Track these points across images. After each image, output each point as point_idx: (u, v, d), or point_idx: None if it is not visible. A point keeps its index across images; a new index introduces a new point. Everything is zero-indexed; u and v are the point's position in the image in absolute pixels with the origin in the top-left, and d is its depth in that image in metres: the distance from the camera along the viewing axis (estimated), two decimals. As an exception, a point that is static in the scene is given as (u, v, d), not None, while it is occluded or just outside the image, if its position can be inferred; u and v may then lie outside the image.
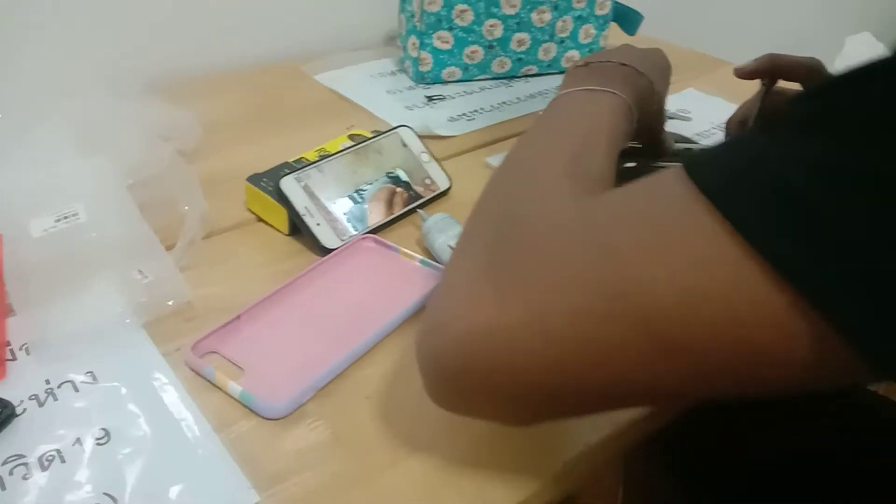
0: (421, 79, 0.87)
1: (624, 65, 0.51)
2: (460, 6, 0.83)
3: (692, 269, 0.26)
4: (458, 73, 0.87)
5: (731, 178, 0.27)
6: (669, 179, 0.29)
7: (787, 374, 0.26)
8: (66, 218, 0.52)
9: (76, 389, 0.44)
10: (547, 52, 0.89)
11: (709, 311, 0.26)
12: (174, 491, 0.38)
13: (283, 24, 0.93)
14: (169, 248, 0.53)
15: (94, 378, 0.45)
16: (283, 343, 0.47)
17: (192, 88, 0.82)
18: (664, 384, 0.28)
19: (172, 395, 0.44)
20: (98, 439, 0.41)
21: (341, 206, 0.58)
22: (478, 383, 0.32)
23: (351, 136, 0.66)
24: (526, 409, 0.33)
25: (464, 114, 0.80)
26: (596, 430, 0.43)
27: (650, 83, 0.52)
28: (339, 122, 0.76)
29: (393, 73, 0.91)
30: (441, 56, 0.86)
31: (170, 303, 0.50)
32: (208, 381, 0.45)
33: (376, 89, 0.86)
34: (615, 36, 0.90)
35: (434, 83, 0.88)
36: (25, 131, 0.59)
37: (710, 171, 0.28)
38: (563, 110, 0.47)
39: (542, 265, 0.30)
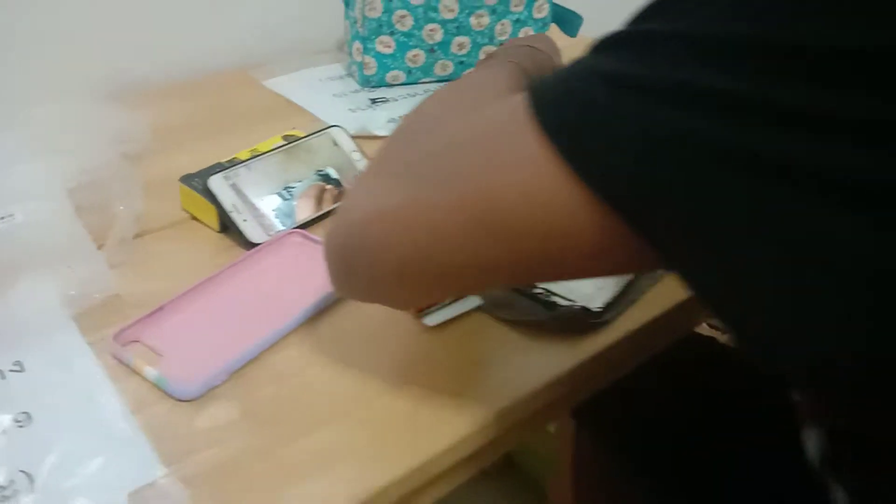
0: (366, 82, 0.90)
1: (522, 46, 0.57)
2: (400, 11, 0.86)
3: (518, 172, 0.31)
4: (402, 77, 0.91)
5: (553, 97, 0.31)
6: (517, 100, 0.33)
7: (590, 258, 0.32)
8: (2, 219, 0.55)
9: (3, 377, 0.47)
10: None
11: (527, 207, 0.31)
12: (87, 467, 0.41)
13: (238, 34, 0.96)
14: (101, 246, 0.56)
15: (22, 367, 0.48)
16: (201, 331, 0.50)
17: (148, 96, 0.85)
18: (500, 265, 0.34)
19: (93, 381, 0.47)
20: (19, 422, 0.44)
21: (269, 203, 0.61)
22: (367, 263, 0.37)
23: (284, 137, 0.69)
24: (405, 287, 0.37)
25: (404, 115, 0.83)
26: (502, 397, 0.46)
27: (548, 56, 0.60)
28: (284, 125, 0.79)
29: (341, 78, 0.94)
30: (384, 60, 0.89)
31: (97, 296, 0.53)
32: (128, 366, 0.47)
33: (323, 93, 0.89)
34: (556, 38, 0.93)
35: (379, 86, 0.91)
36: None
37: (541, 89, 0.32)
38: (462, 79, 0.51)
39: (424, 166, 0.36)
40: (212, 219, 0.61)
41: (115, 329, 0.49)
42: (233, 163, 0.63)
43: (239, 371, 0.48)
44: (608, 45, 0.31)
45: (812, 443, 0.40)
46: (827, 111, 0.24)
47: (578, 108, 0.30)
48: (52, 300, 0.52)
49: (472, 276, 0.35)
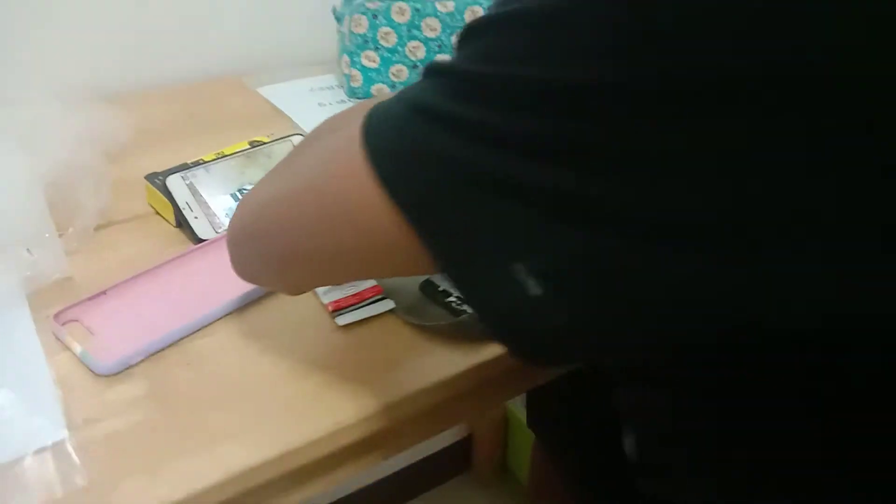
0: (353, 94, 0.95)
1: None
2: (384, 28, 0.90)
3: (345, 180, 0.36)
4: (386, 90, 0.95)
5: (377, 122, 0.35)
6: (354, 123, 0.37)
7: (397, 263, 0.37)
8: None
9: (-47, 344, 0.53)
10: (471, 71, 0.96)
11: (349, 210, 0.36)
12: (11, 404, 0.47)
13: (234, 41, 1.02)
14: (62, 234, 0.62)
15: (-27, 337, 0.54)
16: (134, 315, 0.55)
17: (139, 99, 0.91)
18: (342, 251, 0.38)
19: (29, 351, 0.52)
20: (-44, 383, 0.49)
21: (222, 203, 0.66)
22: (256, 251, 0.44)
23: (251, 142, 0.74)
24: (288, 271, 0.44)
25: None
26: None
27: None
28: (264, 130, 0.84)
29: (332, 88, 0.99)
30: (369, 74, 0.93)
31: (52, 278, 0.58)
32: (62, 342, 0.53)
33: (309, 102, 0.94)
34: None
35: (365, 98, 0.95)
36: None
37: (373, 114, 0.36)
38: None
39: (290, 169, 0.43)
40: (169, 214, 0.66)
41: (60, 308, 0.55)
42: (196, 164, 0.68)
43: (159, 353, 0.53)
44: (430, 73, 0.34)
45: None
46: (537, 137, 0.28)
47: (391, 133, 0.34)
48: (10, 280, 0.57)
49: (330, 262, 0.40)
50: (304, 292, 0.50)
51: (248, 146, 0.73)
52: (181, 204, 0.64)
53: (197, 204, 0.65)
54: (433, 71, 0.34)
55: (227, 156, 0.69)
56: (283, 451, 0.47)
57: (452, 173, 0.31)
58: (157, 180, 0.67)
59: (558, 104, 0.28)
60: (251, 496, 0.47)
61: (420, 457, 1.48)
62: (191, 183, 0.65)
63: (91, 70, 0.85)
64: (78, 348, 0.51)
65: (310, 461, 0.48)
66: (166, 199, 0.65)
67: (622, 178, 0.27)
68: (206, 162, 0.68)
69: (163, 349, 0.53)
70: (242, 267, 0.47)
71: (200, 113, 0.90)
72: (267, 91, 0.96)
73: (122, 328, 0.54)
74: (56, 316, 0.54)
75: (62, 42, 0.88)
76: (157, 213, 0.68)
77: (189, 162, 0.70)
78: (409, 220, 0.33)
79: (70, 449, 0.45)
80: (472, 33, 0.32)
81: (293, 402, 0.50)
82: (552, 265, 0.29)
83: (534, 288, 0.30)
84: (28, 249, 0.59)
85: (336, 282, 0.53)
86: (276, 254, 0.43)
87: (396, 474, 1.45)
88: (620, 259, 0.28)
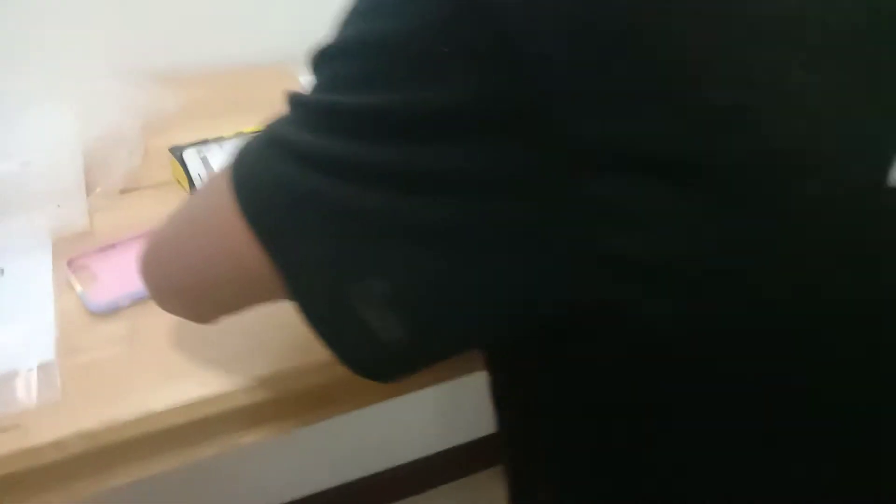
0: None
1: None
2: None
3: (215, 215, 0.39)
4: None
5: (241, 156, 0.39)
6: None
7: (265, 294, 0.40)
8: (22, 164, 0.71)
9: (-14, 279, 0.63)
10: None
11: (216, 239, 0.40)
12: (15, 328, 0.56)
13: (284, 29, 1.10)
14: (91, 193, 0.72)
15: (3, 273, 0.63)
16: (133, 266, 0.64)
17: (186, 80, 1.00)
18: (220, 283, 0.42)
19: (42, 287, 0.61)
20: (-20, 308, 0.59)
21: (230, 177, 0.74)
22: (154, 283, 0.48)
23: (269, 125, 0.82)
24: (184, 305, 0.48)
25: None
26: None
27: None
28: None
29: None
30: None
31: (75, 231, 0.68)
32: (69, 282, 0.62)
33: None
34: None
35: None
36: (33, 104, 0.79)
37: (239, 149, 0.39)
38: None
39: (187, 203, 0.46)
40: (186, 184, 0.74)
41: (75, 255, 0.64)
42: (215, 140, 0.76)
43: (146, 300, 0.60)
44: (289, 101, 0.37)
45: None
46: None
47: (251, 166, 0.37)
48: (40, 228, 0.67)
49: (219, 293, 0.43)
50: (213, 321, 0.49)
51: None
52: (194, 175, 0.72)
53: (208, 176, 0.73)
54: (290, 100, 0.37)
55: (243, 134, 0.77)
56: (232, 388, 0.53)
57: (297, 203, 0.34)
58: (178, 153, 0.75)
59: (387, 131, 0.31)
60: (203, 428, 0.55)
61: (451, 445, 1.53)
62: (204, 157, 0.73)
63: (146, 51, 0.95)
64: (79, 288, 0.60)
65: (257, 402, 0.54)
66: (183, 171, 0.73)
67: (445, 199, 0.31)
68: (223, 139, 0.75)
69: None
70: (155, 299, 0.49)
71: (243, 97, 0.98)
72: (306, 80, 1.03)
73: (120, 276, 0.62)
74: (70, 261, 0.63)
75: (124, 24, 0.99)
76: (178, 182, 0.77)
77: (211, 138, 0.78)
78: (264, 250, 0.36)
79: (54, 370, 0.53)
80: (321, 60, 0.36)
81: (245, 350, 0.56)
82: (391, 286, 0.33)
83: (373, 309, 0.33)
84: (59, 204, 0.69)
85: (235, 310, 0.48)
86: (171, 287, 0.46)
87: (427, 459, 1.51)
88: (449, 273, 0.32)
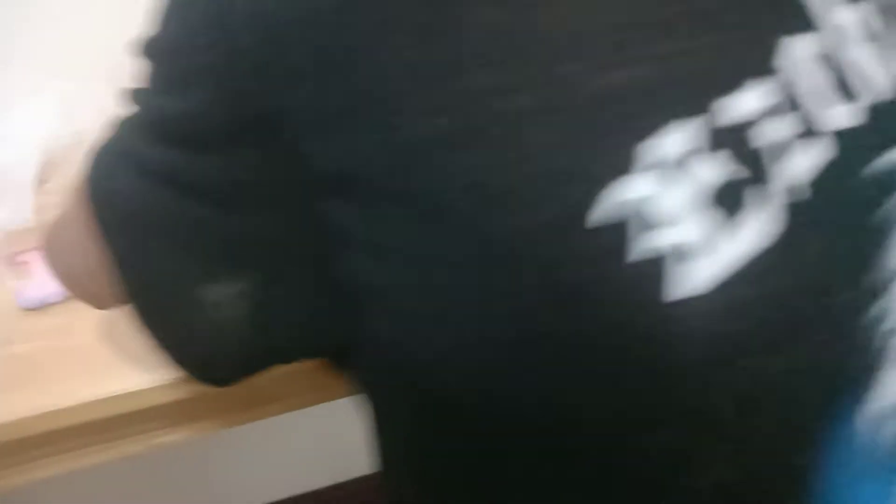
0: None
1: None
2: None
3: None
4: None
5: (95, 154, 0.40)
6: None
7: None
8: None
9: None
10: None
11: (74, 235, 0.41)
12: None
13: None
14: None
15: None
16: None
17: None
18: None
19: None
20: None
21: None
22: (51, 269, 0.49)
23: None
24: (75, 290, 0.50)
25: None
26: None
27: None
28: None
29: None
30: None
31: (27, 225, 0.69)
32: (5, 277, 0.63)
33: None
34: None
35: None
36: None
37: (97, 143, 0.41)
38: None
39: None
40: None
41: (15, 250, 0.65)
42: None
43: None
44: (126, 96, 0.38)
45: None
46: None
47: (97, 160, 0.40)
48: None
49: (96, 279, 0.43)
50: (109, 308, 0.50)
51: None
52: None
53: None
54: (127, 95, 0.37)
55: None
56: (158, 384, 0.54)
57: (127, 206, 0.36)
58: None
59: (169, 138, 0.32)
60: (129, 423, 0.55)
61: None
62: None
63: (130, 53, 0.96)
64: (14, 283, 0.61)
65: (180, 399, 0.55)
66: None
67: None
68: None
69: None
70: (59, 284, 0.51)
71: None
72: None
73: (58, 272, 0.63)
74: (8, 256, 0.64)
75: (109, 25, 0.99)
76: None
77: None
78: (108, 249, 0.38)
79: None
80: (143, 56, 0.36)
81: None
82: (223, 286, 0.34)
83: (219, 309, 0.34)
84: (6, 200, 0.70)
85: (115, 302, 0.49)
86: (58, 274, 0.48)
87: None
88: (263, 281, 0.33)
